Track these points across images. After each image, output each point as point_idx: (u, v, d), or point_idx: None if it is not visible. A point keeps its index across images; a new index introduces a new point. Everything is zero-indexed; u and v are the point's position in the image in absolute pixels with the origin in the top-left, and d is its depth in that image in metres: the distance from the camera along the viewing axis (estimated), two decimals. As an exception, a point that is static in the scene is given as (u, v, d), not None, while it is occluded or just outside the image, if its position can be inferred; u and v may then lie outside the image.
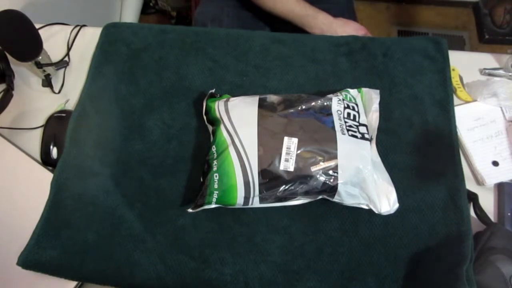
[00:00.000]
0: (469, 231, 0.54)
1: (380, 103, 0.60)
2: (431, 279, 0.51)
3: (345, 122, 0.55)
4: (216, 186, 0.51)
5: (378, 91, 0.61)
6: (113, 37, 0.74)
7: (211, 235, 0.56)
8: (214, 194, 0.51)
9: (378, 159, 0.55)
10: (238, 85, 0.67)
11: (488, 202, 0.58)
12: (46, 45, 0.68)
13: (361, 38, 0.72)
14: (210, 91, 0.62)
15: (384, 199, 0.53)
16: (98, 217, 0.57)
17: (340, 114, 0.55)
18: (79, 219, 0.58)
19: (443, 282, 0.49)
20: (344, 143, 0.52)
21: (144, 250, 0.55)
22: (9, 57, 0.67)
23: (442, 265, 0.51)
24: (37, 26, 0.65)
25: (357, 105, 0.59)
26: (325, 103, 0.56)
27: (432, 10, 1.79)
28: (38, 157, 0.65)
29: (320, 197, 0.54)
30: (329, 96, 0.58)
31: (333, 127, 0.53)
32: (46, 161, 0.64)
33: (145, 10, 1.76)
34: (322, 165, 0.51)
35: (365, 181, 0.52)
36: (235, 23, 0.86)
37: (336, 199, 0.53)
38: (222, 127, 0.55)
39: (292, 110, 0.54)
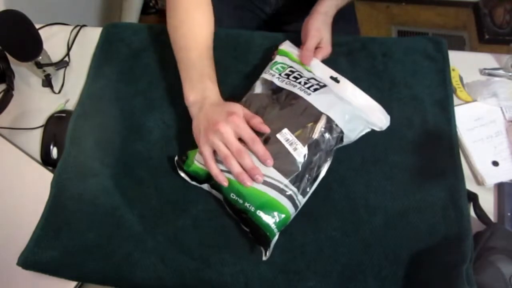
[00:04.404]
0: (469, 231, 0.54)
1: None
2: (431, 279, 0.51)
3: (299, 83, 0.57)
4: (266, 220, 0.50)
5: (288, 42, 0.65)
6: (113, 37, 0.74)
7: (211, 236, 0.56)
8: (272, 226, 0.50)
9: (353, 89, 0.58)
10: (238, 86, 0.67)
11: (488, 202, 0.58)
12: (46, 45, 0.68)
13: (361, 38, 0.72)
14: (176, 159, 0.58)
15: (375, 116, 0.57)
16: (98, 217, 0.57)
17: (289, 82, 0.57)
18: (79, 219, 0.58)
19: (443, 282, 0.49)
20: (316, 99, 0.54)
21: (144, 250, 0.55)
22: (9, 57, 0.67)
23: (442, 265, 0.51)
24: (37, 26, 0.65)
25: (292, 66, 0.60)
26: (272, 87, 0.58)
27: (432, 10, 1.79)
28: (38, 157, 0.65)
29: (337, 146, 0.55)
30: (268, 79, 0.59)
31: (297, 96, 0.55)
32: (46, 161, 0.64)
33: (145, 10, 1.76)
34: (319, 126, 0.52)
35: (353, 111, 0.55)
36: (235, 23, 0.86)
37: (345, 141, 0.56)
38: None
39: (261, 114, 0.55)
